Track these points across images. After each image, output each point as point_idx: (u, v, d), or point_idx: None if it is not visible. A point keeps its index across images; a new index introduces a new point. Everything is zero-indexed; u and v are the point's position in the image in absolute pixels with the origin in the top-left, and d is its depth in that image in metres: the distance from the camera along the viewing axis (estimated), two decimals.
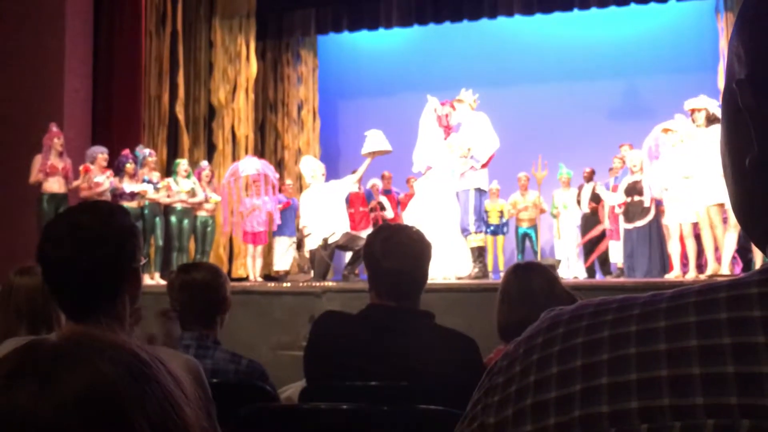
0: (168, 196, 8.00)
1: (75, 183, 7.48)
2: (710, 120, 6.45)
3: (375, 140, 7.37)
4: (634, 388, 0.44)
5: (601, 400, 0.45)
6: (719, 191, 5.97)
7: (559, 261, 8.59)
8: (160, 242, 7.92)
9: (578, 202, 9.02)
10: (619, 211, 7.83)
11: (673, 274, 6.78)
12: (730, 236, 6.25)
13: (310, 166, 7.69)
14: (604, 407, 0.45)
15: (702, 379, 0.43)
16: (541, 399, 0.48)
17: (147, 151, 8.27)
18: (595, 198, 8.61)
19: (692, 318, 0.45)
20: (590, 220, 8.74)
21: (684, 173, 6.57)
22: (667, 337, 0.45)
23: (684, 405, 0.43)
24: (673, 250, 6.88)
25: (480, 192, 7.10)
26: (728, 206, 6.22)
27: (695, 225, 6.68)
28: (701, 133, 6.44)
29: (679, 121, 6.84)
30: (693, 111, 6.55)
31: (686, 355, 0.44)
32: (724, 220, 6.31)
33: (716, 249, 6.36)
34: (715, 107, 6.52)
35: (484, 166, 7.06)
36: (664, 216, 7.01)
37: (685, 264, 6.85)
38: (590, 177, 8.97)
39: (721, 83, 9.11)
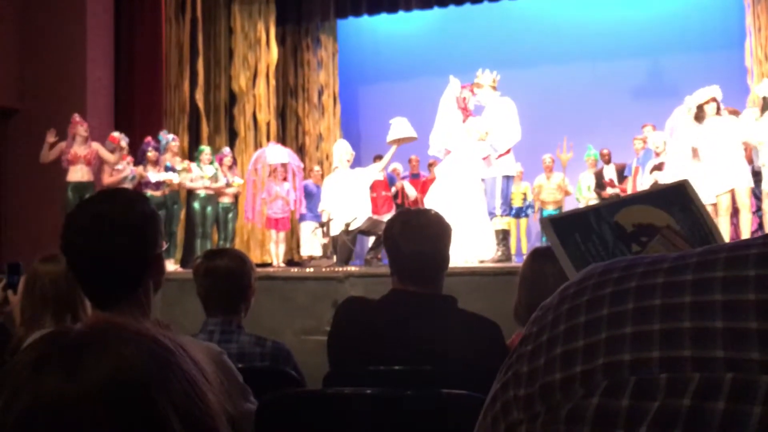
0: (191, 180, 8.03)
1: (111, 159, 7.49)
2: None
3: (400, 127, 7.36)
4: (656, 338, 0.45)
5: (624, 349, 0.45)
6: (747, 175, 5.94)
7: None
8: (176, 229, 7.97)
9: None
10: None
11: None
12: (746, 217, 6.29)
13: (343, 151, 7.72)
14: (626, 356, 0.45)
15: (723, 333, 0.43)
16: (570, 348, 0.48)
17: (170, 136, 8.30)
18: (601, 185, 8.52)
19: (720, 273, 0.45)
20: None
21: (698, 154, 6.55)
22: (692, 291, 0.45)
23: (705, 357, 0.43)
24: None
25: (507, 178, 7.05)
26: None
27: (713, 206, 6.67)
28: (716, 121, 6.39)
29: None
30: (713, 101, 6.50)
31: (710, 308, 0.44)
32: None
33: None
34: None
35: (501, 155, 6.99)
36: None
37: None
38: (608, 159, 8.88)
39: (747, 61, 8.93)
